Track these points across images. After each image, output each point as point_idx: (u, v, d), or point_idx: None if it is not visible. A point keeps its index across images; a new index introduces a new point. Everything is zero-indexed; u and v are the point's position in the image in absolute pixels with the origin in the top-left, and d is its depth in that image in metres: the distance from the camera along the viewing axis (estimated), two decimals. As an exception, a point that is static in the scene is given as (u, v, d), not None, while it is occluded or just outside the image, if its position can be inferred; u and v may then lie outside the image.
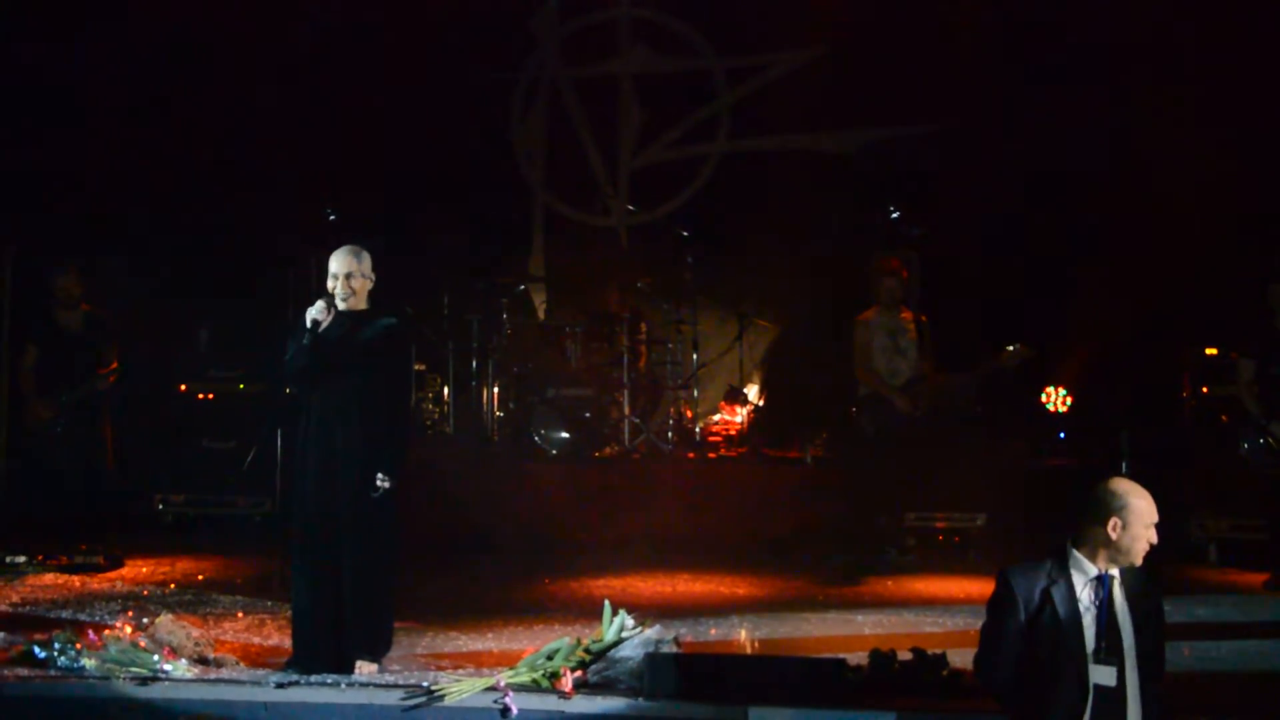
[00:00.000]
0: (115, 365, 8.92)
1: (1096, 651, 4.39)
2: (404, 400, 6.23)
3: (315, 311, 5.84)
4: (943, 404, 9.09)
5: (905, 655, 5.63)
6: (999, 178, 10.62)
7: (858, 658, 5.67)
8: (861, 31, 11.13)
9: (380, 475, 5.77)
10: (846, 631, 6.79)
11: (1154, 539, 4.41)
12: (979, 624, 4.57)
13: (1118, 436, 8.34)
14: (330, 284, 5.92)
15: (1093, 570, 4.46)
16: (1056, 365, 10.26)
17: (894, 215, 11.01)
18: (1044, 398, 10.33)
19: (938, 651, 5.60)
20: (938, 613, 7.24)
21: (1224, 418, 9.05)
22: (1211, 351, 9.45)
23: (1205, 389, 9.40)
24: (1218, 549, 8.83)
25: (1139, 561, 4.43)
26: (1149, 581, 4.49)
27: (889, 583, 8.20)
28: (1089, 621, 4.42)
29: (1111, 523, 4.43)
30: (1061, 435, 10.23)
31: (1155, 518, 4.42)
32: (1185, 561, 8.52)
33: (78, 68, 10.53)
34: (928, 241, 10.88)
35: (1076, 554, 4.46)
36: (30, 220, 10.51)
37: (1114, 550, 4.42)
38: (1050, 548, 4.53)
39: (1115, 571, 4.45)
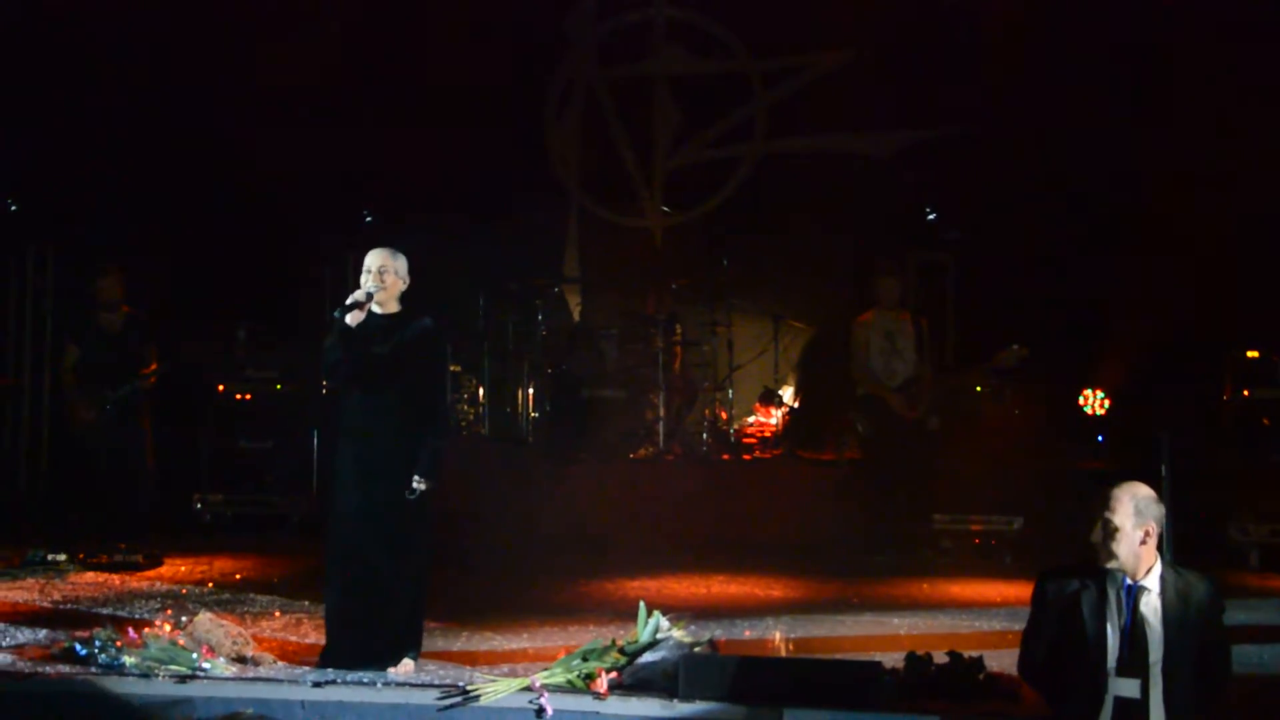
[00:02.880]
0: (155, 366, 9.00)
1: (1120, 663, 4.36)
2: (441, 402, 6.26)
3: (359, 294, 5.89)
4: (946, 405, 9.12)
5: (941, 658, 5.59)
6: (1036, 180, 10.55)
7: (893, 660, 5.64)
8: (898, 33, 11.09)
9: (417, 478, 5.80)
10: (882, 633, 6.76)
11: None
12: (1015, 627, 4.58)
13: (1158, 440, 8.27)
14: (364, 279, 5.95)
15: (1124, 579, 4.43)
16: (1095, 368, 10.19)
17: (930, 217, 10.97)
18: (1081, 401, 10.26)
19: (974, 654, 5.56)
20: (974, 616, 7.20)
21: (1265, 421, 8.96)
22: (1253, 354, 9.36)
23: (1246, 392, 9.30)
24: (1259, 554, 8.74)
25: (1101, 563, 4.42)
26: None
27: (924, 585, 8.17)
28: (1114, 631, 4.39)
29: (1147, 528, 4.41)
30: (1100, 439, 10.15)
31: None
32: (1226, 566, 8.43)
33: (118, 71, 10.65)
34: (964, 243, 10.83)
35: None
36: (72, 223, 10.65)
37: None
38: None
39: (1150, 582, 4.42)
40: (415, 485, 5.79)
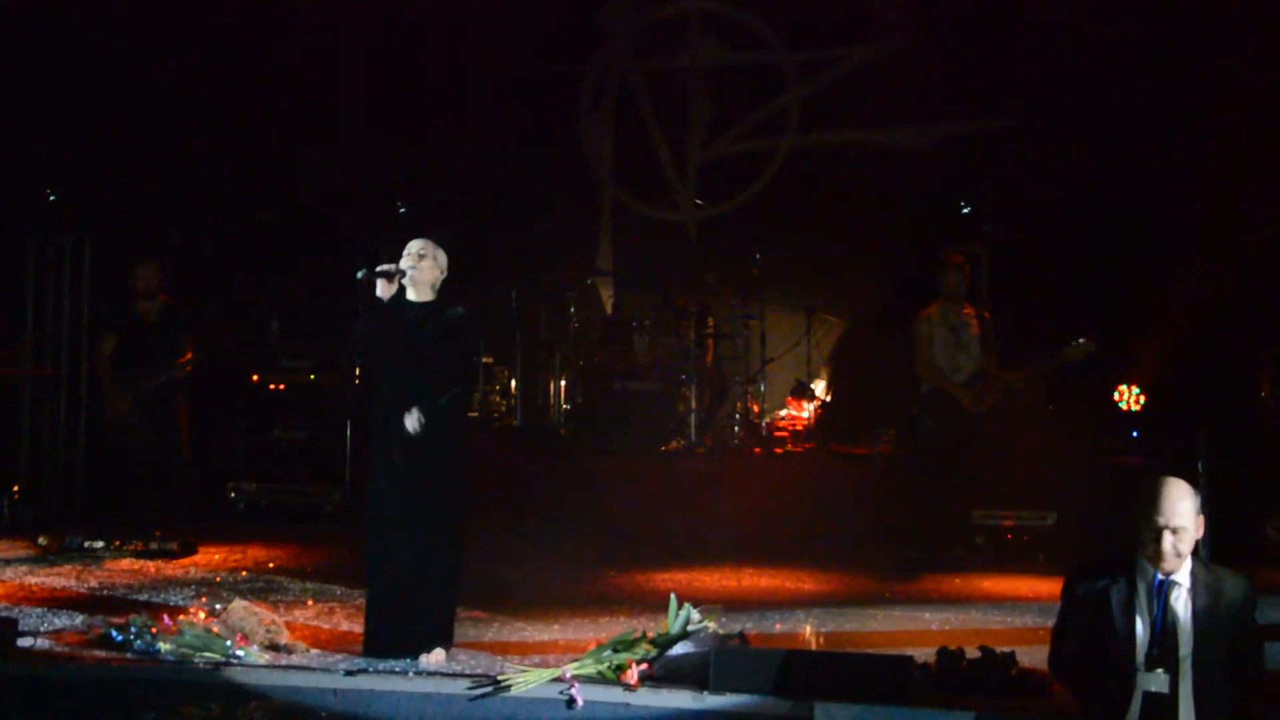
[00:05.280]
0: (190, 355, 9.06)
1: (1149, 658, 4.33)
2: (467, 377, 6.27)
3: (390, 265, 5.96)
4: (1008, 400, 8.99)
5: (973, 653, 5.57)
6: (1071, 172, 10.48)
7: (925, 655, 5.62)
8: (932, 26, 11.03)
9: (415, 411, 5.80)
10: (913, 628, 6.75)
11: (1162, 544, 4.31)
12: (1047, 623, 4.55)
13: (1195, 436, 8.19)
14: (403, 262, 6.01)
15: (1154, 574, 4.39)
16: (1131, 363, 10.09)
17: (964, 210, 10.91)
18: (1116, 396, 10.16)
19: (1006, 649, 5.54)
20: (1006, 611, 7.16)
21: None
22: (1290, 350, 9.27)
23: (1284, 388, 9.22)
24: (1296, 551, 8.66)
25: (1168, 569, 4.35)
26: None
27: (956, 580, 8.13)
28: (1143, 626, 4.36)
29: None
30: (1135, 434, 10.05)
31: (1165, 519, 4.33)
32: (1262, 564, 8.34)
33: (156, 64, 10.72)
34: (998, 237, 10.76)
35: (1141, 556, 4.41)
36: (110, 213, 10.74)
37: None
38: (1120, 546, 4.49)
39: (1181, 577, 4.38)
40: (413, 420, 5.80)
